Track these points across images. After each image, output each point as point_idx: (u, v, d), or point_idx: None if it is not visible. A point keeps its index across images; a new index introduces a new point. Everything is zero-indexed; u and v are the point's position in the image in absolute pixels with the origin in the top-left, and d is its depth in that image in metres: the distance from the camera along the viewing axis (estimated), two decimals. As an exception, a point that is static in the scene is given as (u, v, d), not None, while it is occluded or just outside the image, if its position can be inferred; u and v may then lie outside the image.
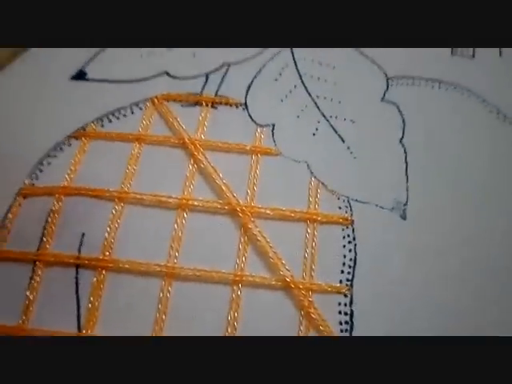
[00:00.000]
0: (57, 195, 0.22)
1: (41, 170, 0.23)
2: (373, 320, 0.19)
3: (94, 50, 0.26)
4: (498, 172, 0.22)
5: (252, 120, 0.24)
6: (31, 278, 0.20)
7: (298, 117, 0.24)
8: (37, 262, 0.20)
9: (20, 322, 0.19)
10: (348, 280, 0.20)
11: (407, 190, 0.22)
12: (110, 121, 0.24)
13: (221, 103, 0.24)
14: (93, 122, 0.24)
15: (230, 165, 0.22)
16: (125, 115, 0.24)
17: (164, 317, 0.19)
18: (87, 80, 0.25)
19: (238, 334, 0.19)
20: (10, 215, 0.22)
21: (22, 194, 0.22)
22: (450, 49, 0.26)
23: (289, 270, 0.20)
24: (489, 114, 0.24)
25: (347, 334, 0.19)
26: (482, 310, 0.19)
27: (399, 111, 0.24)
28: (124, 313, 0.19)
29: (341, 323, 0.19)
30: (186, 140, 0.23)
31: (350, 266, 0.20)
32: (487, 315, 0.19)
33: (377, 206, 0.21)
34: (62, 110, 0.24)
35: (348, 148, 0.23)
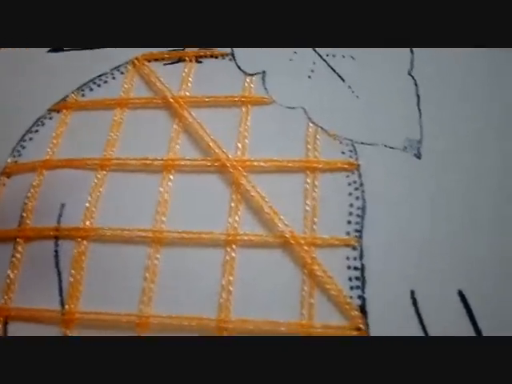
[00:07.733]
0: (38, 170, 0.20)
1: (23, 147, 0.22)
2: (387, 274, 0.17)
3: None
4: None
5: (240, 69, 0.22)
6: (12, 256, 0.19)
7: (291, 60, 0.21)
8: (17, 239, 0.19)
9: (2, 301, 0.18)
10: (357, 231, 0.17)
11: (421, 126, 0.19)
12: (91, 89, 0.22)
13: (205, 56, 0.22)
14: (73, 92, 0.22)
15: (219, 119, 0.20)
16: (106, 81, 0.23)
17: (152, 286, 0.17)
18: (64, 50, 0.24)
19: (234, 299, 0.17)
20: (-6, 196, 0.20)
21: (5, 173, 0.21)
22: None
23: (287, 225, 0.18)
24: None
25: (359, 292, 0.16)
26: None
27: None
28: (109, 285, 0.17)
29: (350, 279, 0.17)
30: (170, 99, 0.21)
31: (358, 216, 0.18)
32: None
33: (386, 146, 0.19)
34: (41, 83, 0.23)
35: (349, 87, 0.20)
